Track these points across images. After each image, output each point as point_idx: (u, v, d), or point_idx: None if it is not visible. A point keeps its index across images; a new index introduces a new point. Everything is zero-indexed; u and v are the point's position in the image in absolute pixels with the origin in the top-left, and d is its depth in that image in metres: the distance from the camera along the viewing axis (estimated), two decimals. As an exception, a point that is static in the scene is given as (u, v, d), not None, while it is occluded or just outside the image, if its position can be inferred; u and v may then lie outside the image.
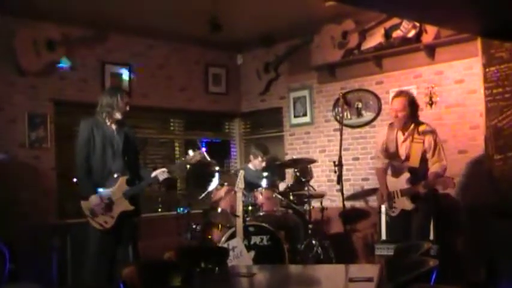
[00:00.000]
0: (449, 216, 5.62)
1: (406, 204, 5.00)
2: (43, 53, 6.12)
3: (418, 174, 4.93)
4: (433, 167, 4.92)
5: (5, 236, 4.54)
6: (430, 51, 6.05)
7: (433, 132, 5.00)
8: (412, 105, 5.01)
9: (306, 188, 6.20)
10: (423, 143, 4.91)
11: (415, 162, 4.93)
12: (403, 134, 5.03)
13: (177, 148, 7.72)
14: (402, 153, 5.03)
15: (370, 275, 3.23)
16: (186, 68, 7.60)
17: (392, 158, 5.12)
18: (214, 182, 6.33)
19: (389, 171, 5.22)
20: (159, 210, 7.12)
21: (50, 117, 6.25)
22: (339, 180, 5.26)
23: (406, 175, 4.98)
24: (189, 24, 6.78)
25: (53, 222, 6.03)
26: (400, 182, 5.03)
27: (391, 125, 5.18)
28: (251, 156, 6.74)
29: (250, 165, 6.71)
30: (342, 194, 5.28)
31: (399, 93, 5.13)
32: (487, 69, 5.13)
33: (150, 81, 7.19)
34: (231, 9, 6.32)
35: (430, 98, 6.08)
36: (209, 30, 6.49)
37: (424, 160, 4.94)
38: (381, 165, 5.24)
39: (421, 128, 5.00)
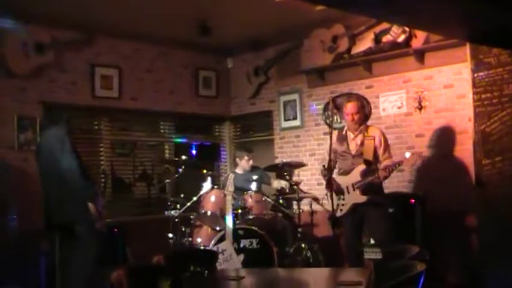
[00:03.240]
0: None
1: (357, 197, 5.10)
2: (32, 56, 6.11)
3: (372, 167, 5.09)
4: (385, 162, 5.12)
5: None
6: (420, 56, 6.08)
7: (381, 131, 5.30)
8: (364, 108, 5.43)
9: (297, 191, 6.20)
10: (374, 139, 5.17)
11: (368, 156, 5.14)
12: (353, 133, 5.27)
13: (166, 151, 7.70)
14: (352, 148, 5.25)
15: (358, 278, 3.25)
16: (176, 71, 7.59)
17: (342, 155, 5.31)
18: (206, 185, 6.32)
19: (336, 171, 5.36)
20: (149, 213, 7.09)
21: (39, 119, 6.22)
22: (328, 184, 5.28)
23: (360, 168, 5.12)
24: (179, 28, 6.77)
25: (41, 226, 5.98)
26: (351, 178, 5.16)
27: (340, 130, 5.43)
28: (237, 160, 6.74)
29: (238, 170, 6.70)
30: (331, 197, 5.27)
31: (351, 97, 5.49)
32: (476, 75, 5.15)
33: (139, 84, 7.18)
34: (221, 14, 6.33)
35: (419, 103, 6.11)
36: (199, 33, 6.50)
37: (375, 157, 5.16)
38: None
39: (371, 127, 5.32)
